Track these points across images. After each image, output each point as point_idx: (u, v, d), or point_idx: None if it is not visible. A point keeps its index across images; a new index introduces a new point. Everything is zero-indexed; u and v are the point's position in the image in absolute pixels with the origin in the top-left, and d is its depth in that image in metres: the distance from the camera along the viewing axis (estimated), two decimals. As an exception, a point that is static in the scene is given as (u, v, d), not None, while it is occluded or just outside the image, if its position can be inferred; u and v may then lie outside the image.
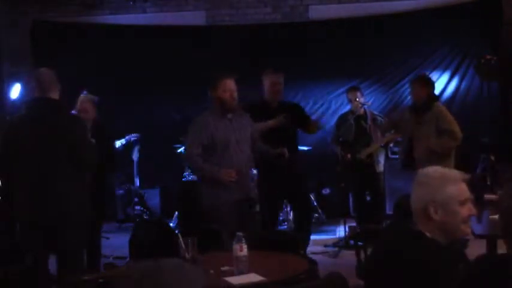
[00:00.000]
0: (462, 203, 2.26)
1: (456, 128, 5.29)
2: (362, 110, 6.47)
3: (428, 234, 2.26)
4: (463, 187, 2.28)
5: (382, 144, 6.54)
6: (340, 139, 6.42)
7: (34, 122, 3.90)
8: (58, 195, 3.84)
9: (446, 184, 2.25)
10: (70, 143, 3.87)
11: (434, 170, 2.31)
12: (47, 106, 3.96)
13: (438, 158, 5.21)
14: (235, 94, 4.37)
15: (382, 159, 6.69)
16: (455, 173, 2.30)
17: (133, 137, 7.08)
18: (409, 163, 5.44)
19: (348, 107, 7.97)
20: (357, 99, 6.42)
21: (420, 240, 2.25)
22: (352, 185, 6.67)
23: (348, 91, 6.74)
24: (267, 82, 5.51)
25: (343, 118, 6.65)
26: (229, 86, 4.35)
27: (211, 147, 4.35)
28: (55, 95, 4.01)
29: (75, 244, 3.94)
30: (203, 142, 4.32)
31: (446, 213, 2.24)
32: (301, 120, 5.59)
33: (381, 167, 6.61)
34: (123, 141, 6.99)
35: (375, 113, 6.66)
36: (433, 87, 5.59)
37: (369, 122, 6.42)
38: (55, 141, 3.86)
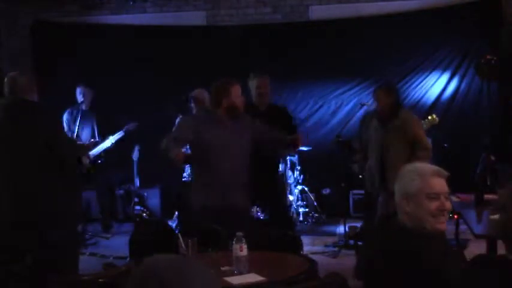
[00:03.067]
0: (430, 196, 2.33)
1: (424, 138, 5.24)
2: None
3: (408, 226, 2.36)
4: (434, 181, 2.35)
5: None
6: (340, 139, 6.36)
7: (7, 122, 3.93)
8: (36, 194, 3.85)
9: (414, 177, 2.36)
10: (46, 141, 3.89)
11: (409, 166, 2.46)
12: (20, 107, 3.98)
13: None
14: (242, 100, 4.34)
15: None
16: (426, 168, 2.39)
17: (131, 126, 7.01)
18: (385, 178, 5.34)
19: (346, 108, 8.03)
20: None
21: (400, 233, 2.35)
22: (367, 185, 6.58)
23: (375, 89, 6.57)
24: (252, 85, 5.40)
25: (365, 116, 6.50)
26: (239, 92, 4.31)
27: (200, 149, 4.28)
28: (31, 96, 4.03)
29: (61, 243, 3.95)
30: (184, 135, 4.26)
31: (415, 205, 2.34)
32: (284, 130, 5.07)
33: None
34: (121, 133, 6.95)
35: None
36: (398, 95, 5.49)
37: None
38: (30, 140, 3.88)
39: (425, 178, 2.34)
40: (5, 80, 4.07)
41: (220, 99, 4.26)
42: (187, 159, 4.23)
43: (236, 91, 4.28)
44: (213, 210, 4.17)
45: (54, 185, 3.96)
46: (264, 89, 5.41)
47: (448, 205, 2.36)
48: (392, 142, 5.23)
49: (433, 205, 2.33)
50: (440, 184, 2.36)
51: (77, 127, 6.95)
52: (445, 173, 2.38)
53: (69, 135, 6.90)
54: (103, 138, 7.05)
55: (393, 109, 5.32)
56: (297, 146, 4.56)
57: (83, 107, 7.10)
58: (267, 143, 4.55)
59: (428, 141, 5.37)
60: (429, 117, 6.14)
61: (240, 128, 4.30)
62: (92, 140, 7.09)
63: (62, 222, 3.98)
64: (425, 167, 2.41)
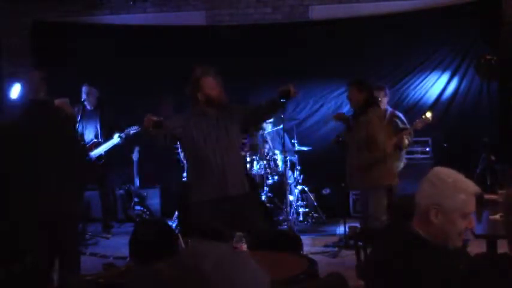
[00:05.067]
0: (465, 215, 2.22)
1: (380, 139, 5.16)
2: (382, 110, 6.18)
3: (422, 233, 2.26)
4: (471, 200, 2.22)
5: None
6: (340, 139, 6.35)
7: (28, 123, 3.93)
8: (56, 194, 3.86)
9: (456, 193, 2.20)
10: (64, 142, 3.90)
11: (448, 174, 2.25)
12: (39, 108, 3.99)
13: (366, 167, 5.21)
14: (220, 89, 4.33)
15: (397, 161, 6.18)
16: (468, 185, 2.23)
17: (133, 129, 7.03)
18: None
19: (346, 108, 8.01)
20: (379, 99, 6.19)
21: (419, 245, 2.24)
22: None
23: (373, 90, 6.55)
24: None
25: None
26: (213, 83, 4.32)
27: (190, 144, 4.31)
28: (44, 95, 4.05)
29: (74, 243, 3.96)
30: (172, 124, 4.31)
31: (445, 220, 2.21)
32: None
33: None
34: (122, 135, 6.95)
35: (400, 116, 6.35)
36: (370, 92, 5.39)
37: (384, 123, 6.16)
38: (50, 141, 3.88)
39: (468, 197, 2.20)
40: (26, 79, 4.08)
41: (195, 95, 4.32)
42: (156, 125, 4.20)
43: (208, 82, 4.31)
44: (211, 203, 4.19)
45: (71, 186, 3.97)
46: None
47: (473, 222, 2.28)
48: (358, 139, 5.24)
49: (464, 224, 2.22)
50: (474, 202, 2.23)
51: (80, 126, 6.96)
52: (479, 190, 2.25)
53: None
54: (105, 138, 7.06)
55: (363, 106, 5.28)
56: (289, 94, 4.19)
57: (87, 106, 7.11)
58: (262, 115, 4.62)
59: (390, 143, 5.31)
60: (423, 116, 6.12)
61: (226, 118, 4.33)
62: (95, 140, 7.10)
63: (74, 222, 4.00)
64: (466, 182, 2.23)
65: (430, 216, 2.21)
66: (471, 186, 2.23)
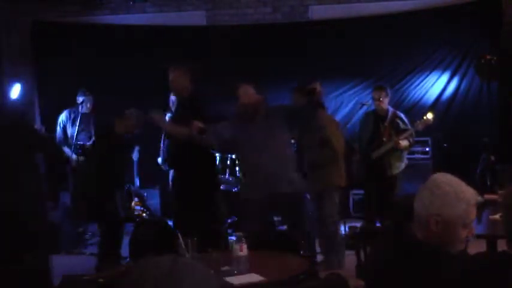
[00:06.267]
0: (466, 225, 2.18)
1: (335, 138, 5.31)
2: (383, 111, 6.23)
3: (422, 238, 2.23)
4: (472, 210, 2.17)
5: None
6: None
7: None
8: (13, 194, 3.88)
9: (457, 203, 2.15)
10: (26, 141, 3.92)
11: (448, 182, 2.18)
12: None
13: (319, 167, 5.32)
14: (257, 95, 4.57)
15: (398, 162, 6.20)
16: (469, 194, 2.17)
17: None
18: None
19: (347, 108, 8.02)
20: (380, 99, 6.20)
21: (419, 246, 2.22)
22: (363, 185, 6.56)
23: (373, 90, 6.49)
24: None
25: (365, 117, 6.46)
26: (250, 90, 4.56)
27: (239, 147, 4.57)
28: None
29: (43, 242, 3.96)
30: (221, 130, 4.61)
31: (446, 229, 2.17)
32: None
33: (394, 170, 6.14)
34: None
35: (402, 116, 6.27)
36: (312, 96, 5.21)
37: (386, 123, 6.15)
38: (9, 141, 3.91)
39: (469, 207, 2.15)
40: None
41: (236, 103, 4.58)
42: (201, 131, 4.49)
43: (242, 91, 4.55)
44: (257, 202, 4.38)
45: (29, 180, 3.98)
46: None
47: (474, 229, 2.25)
48: (308, 144, 5.39)
49: (465, 232, 2.19)
50: (474, 211, 2.19)
51: (76, 129, 6.95)
52: (480, 198, 2.20)
53: (62, 136, 6.96)
54: None
55: (309, 110, 5.31)
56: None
57: (83, 109, 7.09)
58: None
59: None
60: (424, 117, 6.10)
61: (270, 121, 4.53)
62: (88, 143, 7.09)
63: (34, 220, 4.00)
64: (467, 191, 2.17)
65: (430, 225, 2.17)
66: (472, 195, 2.17)
